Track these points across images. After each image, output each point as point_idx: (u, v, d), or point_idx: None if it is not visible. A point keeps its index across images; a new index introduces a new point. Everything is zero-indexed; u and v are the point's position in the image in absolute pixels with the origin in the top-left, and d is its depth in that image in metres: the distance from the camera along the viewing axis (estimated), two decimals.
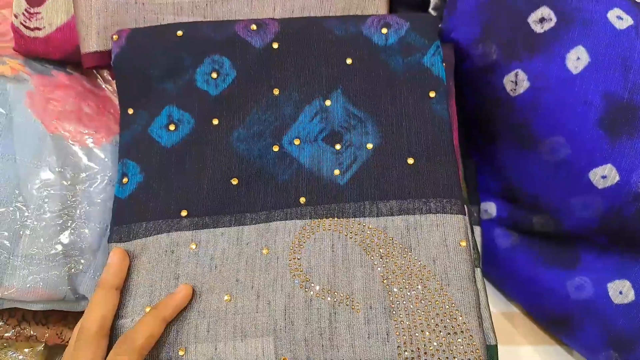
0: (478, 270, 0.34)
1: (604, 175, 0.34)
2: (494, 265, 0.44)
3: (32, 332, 0.37)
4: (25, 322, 0.37)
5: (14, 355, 0.38)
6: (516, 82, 0.36)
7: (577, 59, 0.34)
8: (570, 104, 0.34)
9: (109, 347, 0.30)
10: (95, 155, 0.38)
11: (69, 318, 0.39)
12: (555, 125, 0.35)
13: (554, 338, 0.43)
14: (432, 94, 0.35)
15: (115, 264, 0.32)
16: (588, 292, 0.39)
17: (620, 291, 0.37)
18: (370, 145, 0.35)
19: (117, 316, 0.32)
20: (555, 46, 0.34)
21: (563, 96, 0.34)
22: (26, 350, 0.38)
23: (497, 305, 0.44)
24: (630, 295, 0.37)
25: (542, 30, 0.35)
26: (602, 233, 0.37)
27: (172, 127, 0.36)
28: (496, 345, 0.33)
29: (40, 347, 0.38)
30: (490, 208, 0.44)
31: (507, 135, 0.39)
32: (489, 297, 0.35)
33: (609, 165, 0.34)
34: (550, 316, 0.41)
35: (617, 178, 0.34)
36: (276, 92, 0.36)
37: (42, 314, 0.38)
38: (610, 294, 0.38)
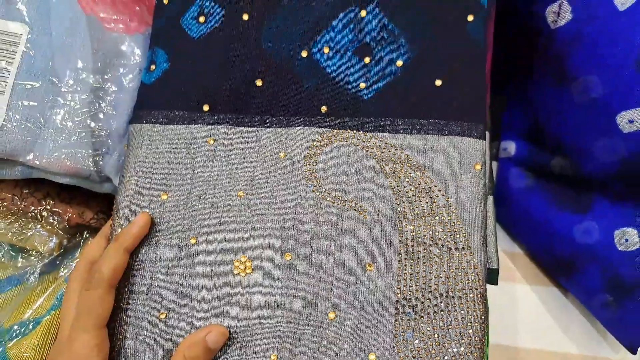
0: (490, 198, 0.35)
1: (632, 120, 0.34)
2: (504, 205, 0.44)
3: (55, 209, 0.39)
4: (49, 197, 0.39)
5: (38, 229, 0.40)
6: (559, 13, 0.35)
7: None
8: (611, 41, 0.33)
9: None
10: (127, 43, 0.38)
11: (91, 202, 0.41)
12: (592, 62, 0.34)
13: (552, 280, 0.44)
14: (470, 18, 0.34)
15: (138, 227, 0.32)
16: (594, 237, 0.39)
17: (626, 239, 0.38)
18: (400, 63, 0.35)
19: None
20: None
21: (605, 32, 0.33)
22: (49, 226, 0.41)
23: (501, 244, 0.45)
24: (635, 243, 0.37)
25: None
26: (619, 179, 0.37)
27: (201, 19, 0.36)
28: (497, 270, 0.34)
29: (63, 225, 0.41)
30: (509, 147, 0.44)
31: (542, 69, 0.38)
32: None
33: (637, 110, 0.33)
34: (554, 258, 0.42)
35: None
36: None
37: (66, 193, 0.40)
38: (615, 240, 0.38)
